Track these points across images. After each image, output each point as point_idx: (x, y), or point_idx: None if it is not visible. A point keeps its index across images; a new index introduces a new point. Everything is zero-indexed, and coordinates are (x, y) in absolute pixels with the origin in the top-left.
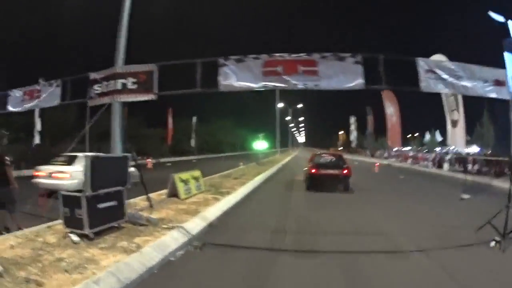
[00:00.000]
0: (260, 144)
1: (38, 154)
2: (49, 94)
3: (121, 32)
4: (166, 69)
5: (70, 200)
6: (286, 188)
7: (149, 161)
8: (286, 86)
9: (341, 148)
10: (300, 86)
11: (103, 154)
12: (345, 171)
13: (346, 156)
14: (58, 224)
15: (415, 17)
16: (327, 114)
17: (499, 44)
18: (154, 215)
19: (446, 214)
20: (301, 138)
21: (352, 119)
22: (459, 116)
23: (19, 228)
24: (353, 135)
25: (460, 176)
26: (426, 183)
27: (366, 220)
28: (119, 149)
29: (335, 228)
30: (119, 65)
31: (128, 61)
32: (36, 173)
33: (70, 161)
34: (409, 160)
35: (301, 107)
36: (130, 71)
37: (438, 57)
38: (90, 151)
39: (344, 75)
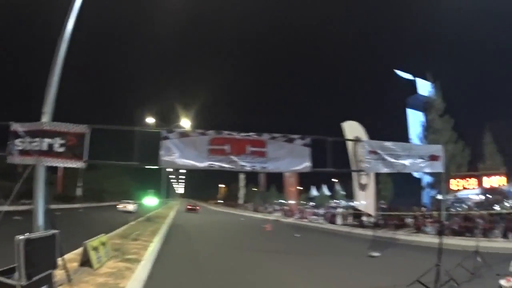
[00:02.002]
0: (150, 200)
1: None
2: None
3: (52, 80)
4: (98, 133)
5: None
6: (190, 251)
7: None
8: (233, 167)
9: (221, 201)
10: (248, 168)
11: (34, 234)
12: (198, 208)
13: (232, 211)
14: None
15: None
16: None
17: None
18: None
19: (366, 275)
20: (180, 189)
21: (242, 176)
22: (369, 180)
23: None
24: (242, 192)
25: (359, 231)
26: (328, 242)
27: None
28: (41, 223)
29: None
30: (47, 120)
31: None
32: (119, 205)
33: (129, 202)
34: (296, 215)
35: None
36: (59, 130)
37: (351, 124)
38: None
39: (292, 157)
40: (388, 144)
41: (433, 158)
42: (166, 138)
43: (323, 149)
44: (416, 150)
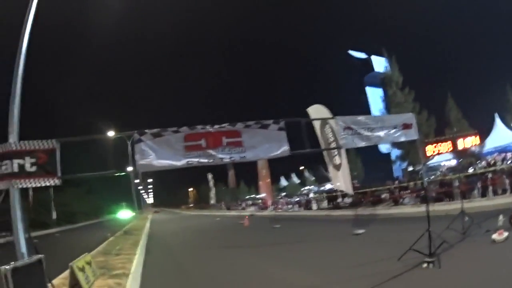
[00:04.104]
0: (124, 213)
1: None
2: None
3: (15, 97)
4: (69, 146)
5: None
6: (173, 257)
7: None
8: (211, 161)
9: (192, 205)
10: (227, 160)
11: (20, 262)
12: (158, 211)
13: (206, 213)
14: None
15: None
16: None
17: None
18: None
19: (357, 252)
20: (149, 199)
21: (209, 176)
22: (342, 159)
23: None
24: (212, 192)
25: (337, 213)
26: (309, 228)
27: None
28: (24, 250)
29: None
30: (14, 140)
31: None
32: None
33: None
34: (270, 207)
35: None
36: (27, 148)
37: (317, 108)
38: None
39: (269, 143)
40: (361, 118)
41: (406, 126)
42: (139, 141)
43: (294, 133)
44: (388, 120)
